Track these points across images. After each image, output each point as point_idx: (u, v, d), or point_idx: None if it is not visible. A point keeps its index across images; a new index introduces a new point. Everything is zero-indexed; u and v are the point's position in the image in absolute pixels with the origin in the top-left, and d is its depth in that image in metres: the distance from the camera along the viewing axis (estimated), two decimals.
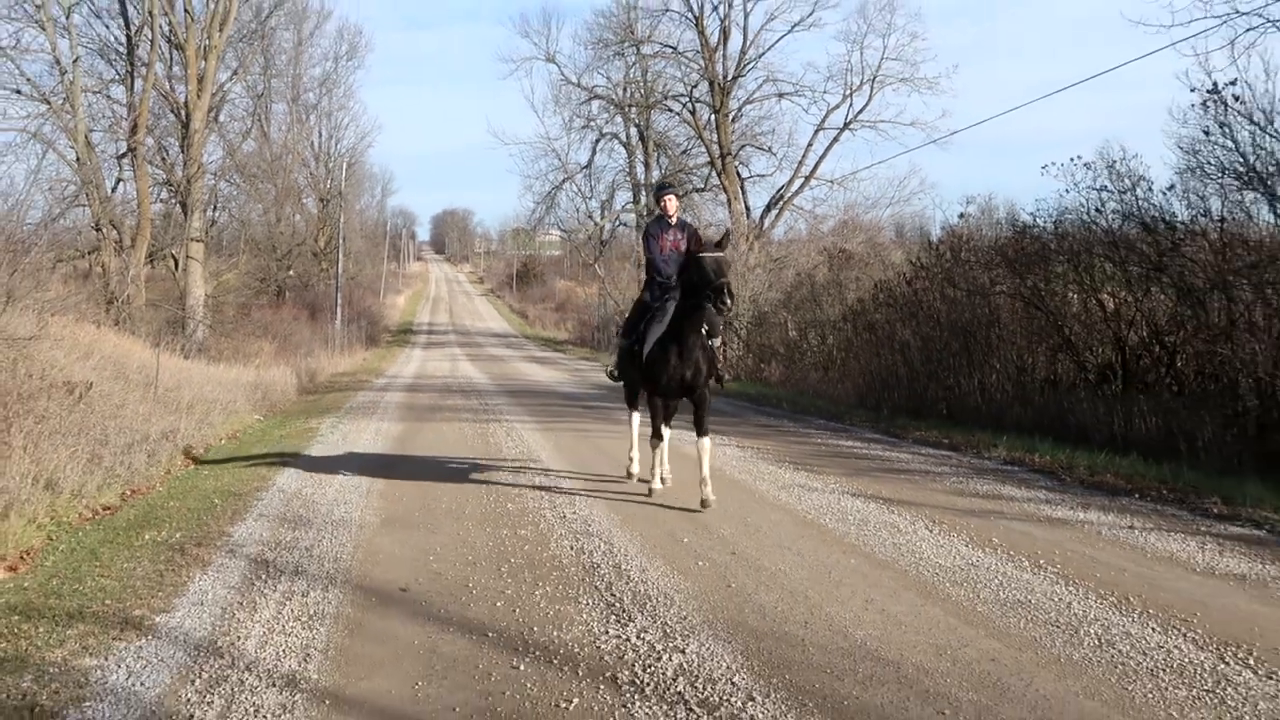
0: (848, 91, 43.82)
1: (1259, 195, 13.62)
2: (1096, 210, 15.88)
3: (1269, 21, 14.33)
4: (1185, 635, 5.72)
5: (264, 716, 4.64)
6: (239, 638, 5.72)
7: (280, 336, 36.57)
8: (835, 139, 44.45)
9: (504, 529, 8.54)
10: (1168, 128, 21.26)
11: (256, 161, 44.14)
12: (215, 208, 40.28)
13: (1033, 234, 17.59)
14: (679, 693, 4.89)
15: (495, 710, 4.70)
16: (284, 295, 49.63)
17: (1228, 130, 13.64)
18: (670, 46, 46.33)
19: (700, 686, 4.96)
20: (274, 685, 5.01)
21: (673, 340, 9.11)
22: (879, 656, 5.36)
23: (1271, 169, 13.31)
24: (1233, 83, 13.56)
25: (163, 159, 35.59)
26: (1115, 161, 15.53)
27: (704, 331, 9.18)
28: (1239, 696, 4.83)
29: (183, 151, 34.26)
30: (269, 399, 21.26)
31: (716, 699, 4.81)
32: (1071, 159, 16.17)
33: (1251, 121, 13.44)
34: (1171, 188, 14.93)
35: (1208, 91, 13.72)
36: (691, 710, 4.68)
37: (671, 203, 9.93)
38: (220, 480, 11.09)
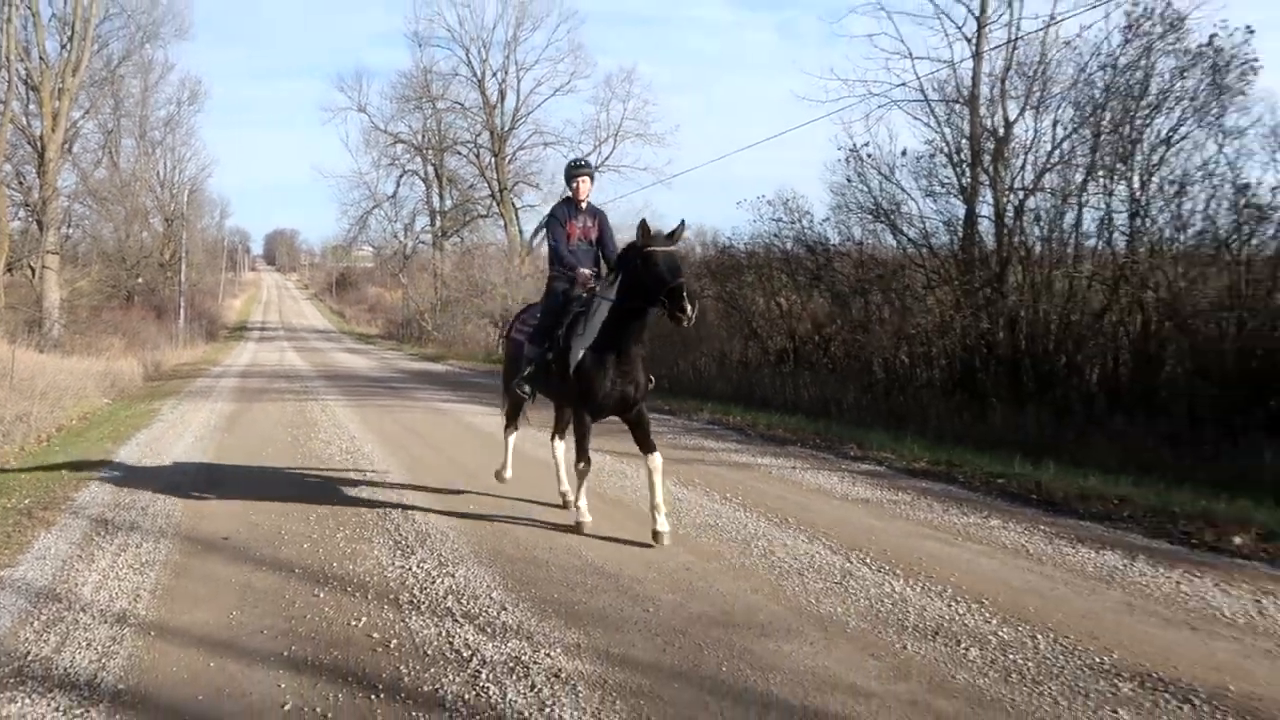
0: (597, 143, 44.40)
1: (884, 226, 14.70)
2: (775, 235, 16.73)
3: (892, 101, 15.51)
4: (825, 544, 6.06)
5: (95, 648, 4.31)
6: (76, 585, 5.28)
7: (130, 333, 33.56)
8: None
9: (315, 486, 8.21)
10: (823, 176, 22.44)
11: (107, 187, 40.23)
12: (70, 225, 36.59)
13: (730, 252, 18.32)
14: (448, 608, 4.84)
15: (297, 631, 4.52)
16: (133, 299, 45.50)
17: (863, 178, 14.67)
18: (459, 103, 46.54)
19: (465, 602, 4.93)
20: (106, 622, 4.66)
21: (610, 351, 6.14)
22: (603, 571, 5.46)
23: (893, 207, 14.37)
24: (866, 144, 14.63)
25: (20, 183, 32.11)
26: (788, 200, 16.43)
27: None
28: (858, 587, 5.18)
29: (39, 177, 31.01)
30: (118, 386, 19.62)
31: (477, 610, 4.78)
32: (758, 197, 17.00)
33: (879, 173, 14.51)
34: (826, 219, 15.94)
35: (849, 150, 14.73)
36: (457, 620, 4.64)
37: (585, 185, 6.92)
38: (68, 454, 10.18)
